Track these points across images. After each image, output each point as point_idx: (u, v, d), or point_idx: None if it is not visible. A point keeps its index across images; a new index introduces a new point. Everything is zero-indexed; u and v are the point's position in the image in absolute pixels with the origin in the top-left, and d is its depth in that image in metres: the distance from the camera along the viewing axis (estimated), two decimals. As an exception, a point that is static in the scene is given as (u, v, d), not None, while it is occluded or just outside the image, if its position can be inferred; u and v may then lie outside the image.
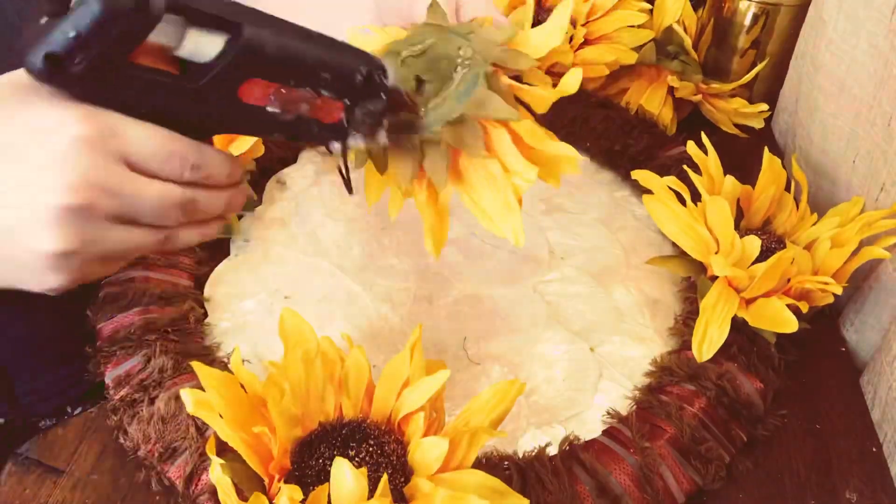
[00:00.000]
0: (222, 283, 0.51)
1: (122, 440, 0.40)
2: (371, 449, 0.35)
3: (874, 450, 0.42)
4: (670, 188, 0.47)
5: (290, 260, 0.53)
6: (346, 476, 0.31)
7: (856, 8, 0.50)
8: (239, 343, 0.47)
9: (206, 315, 0.48)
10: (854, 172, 0.51)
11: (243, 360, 0.38)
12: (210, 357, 0.44)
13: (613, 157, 0.62)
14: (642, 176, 0.49)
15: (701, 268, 0.48)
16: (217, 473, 0.33)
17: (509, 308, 0.49)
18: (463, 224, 0.56)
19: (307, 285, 0.51)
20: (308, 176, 0.61)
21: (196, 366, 0.35)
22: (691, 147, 0.51)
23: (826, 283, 0.41)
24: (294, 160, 0.62)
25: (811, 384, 0.45)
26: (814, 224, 0.48)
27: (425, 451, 0.34)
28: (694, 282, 0.50)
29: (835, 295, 0.42)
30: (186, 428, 0.39)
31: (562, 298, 0.50)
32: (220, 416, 0.33)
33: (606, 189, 0.60)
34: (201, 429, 0.39)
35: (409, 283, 0.51)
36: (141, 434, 0.39)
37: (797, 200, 0.50)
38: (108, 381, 0.42)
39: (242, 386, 0.36)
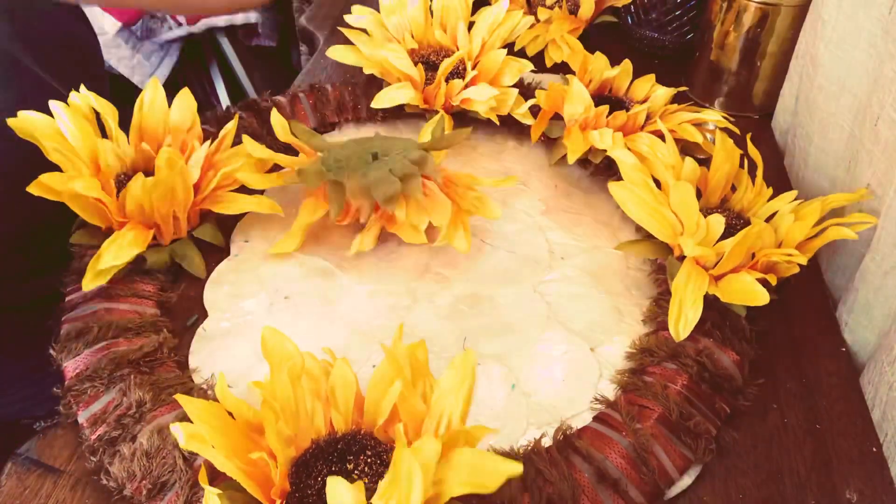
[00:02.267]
0: (222, 283, 0.51)
1: (104, 480, 0.38)
2: (369, 460, 0.35)
3: (874, 450, 0.42)
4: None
5: (290, 260, 0.53)
6: (342, 493, 0.31)
7: (855, 8, 0.51)
8: (239, 344, 0.46)
9: (178, 345, 0.46)
10: (850, 172, 0.52)
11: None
12: (187, 386, 0.43)
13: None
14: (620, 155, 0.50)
15: (668, 249, 0.49)
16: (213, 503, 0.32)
17: (509, 308, 0.49)
18: None
19: (307, 285, 0.51)
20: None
21: (181, 398, 0.34)
22: (649, 137, 0.52)
23: (791, 255, 0.42)
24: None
25: (811, 384, 0.46)
26: (770, 199, 0.49)
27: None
28: (662, 263, 0.51)
29: (832, 296, 0.43)
30: (173, 461, 0.38)
31: (562, 298, 0.50)
32: (213, 446, 0.32)
33: (605, 188, 0.60)
34: (189, 460, 0.38)
35: (410, 284, 0.51)
36: (125, 472, 0.38)
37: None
38: (82, 420, 0.40)
39: (230, 413, 0.35)
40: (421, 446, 0.32)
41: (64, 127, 0.48)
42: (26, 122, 0.47)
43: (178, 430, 0.32)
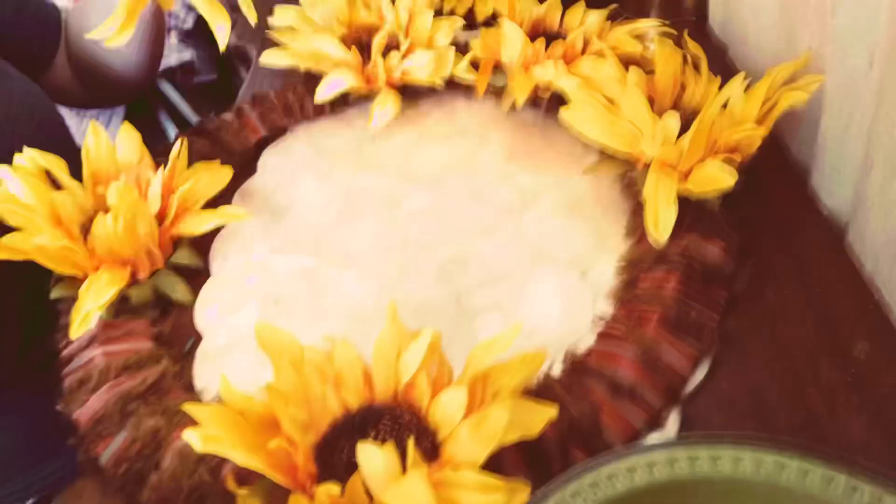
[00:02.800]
0: (211, 303, 0.51)
1: (137, 513, 0.39)
2: (388, 424, 0.35)
3: (874, 304, 0.42)
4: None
5: (272, 265, 0.53)
6: (374, 457, 0.31)
7: None
8: (241, 354, 0.47)
9: (182, 371, 0.46)
10: (789, 43, 0.51)
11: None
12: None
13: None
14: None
15: (633, 162, 0.49)
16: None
17: (494, 257, 0.50)
18: (430, 190, 0.56)
19: (294, 285, 0.51)
20: (270, 184, 0.60)
21: (189, 407, 0.34)
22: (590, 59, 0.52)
23: (747, 129, 0.43)
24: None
25: (799, 257, 0.46)
26: (720, 88, 0.49)
27: (445, 407, 0.34)
28: (630, 178, 0.51)
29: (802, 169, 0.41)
30: (200, 478, 0.38)
31: (543, 236, 0.50)
32: (232, 445, 0.32)
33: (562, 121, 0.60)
34: (215, 472, 0.38)
35: (393, 258, 0.51)
36: (157, 499, 0.38)
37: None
38: (104, 462, 0.40)
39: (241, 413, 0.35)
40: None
41: (15, 188, 0.48)
42: None
43: (192, 436, 0.32)
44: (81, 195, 0.51)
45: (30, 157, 0.50)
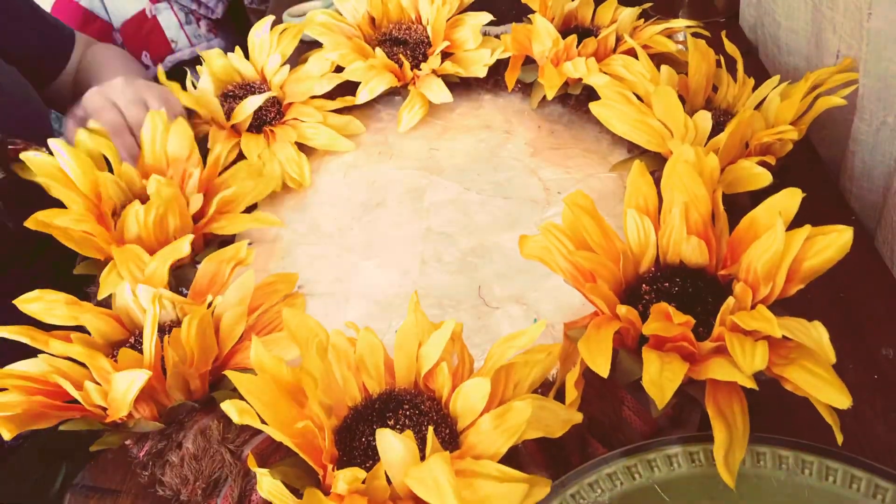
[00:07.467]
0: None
1: (159, 491, 0.39)
2: (408, 412, 0.35)
3: None
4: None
5: (296, 252, 0.53)
6: (392, 443, 0.31)
7: None
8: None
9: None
10: (818, 46, 0.51)
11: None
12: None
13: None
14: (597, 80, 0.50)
15: (662, 160, 0.49)
16: (267, 483, 0.33)
17: (516, 250, 0.49)
18: (454, 182, 0.56)
19: (318, 272, 0.51)
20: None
21: (230, 373, 0.34)
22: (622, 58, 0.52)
23: (781, 131, 0.42)
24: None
25: None
26: (754, 89, 0.49)
27: (468, 396, 0.34)
28: (658, 176, 0.51)
29: (831, 170, 0.41)
30: (221, 457, 0.38)
31: None
32: (265, 420, 0.33)
33: (588, 120, 0.60)
34: (235, 453, 0.39)
35: (415, 248, 0.52)
36: (178, 479, 0.38)
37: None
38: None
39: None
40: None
41: (64, 163, 0.48)
42: (28, 162, 0.48)
43: (230, 408, 0.32)
44: (128, 180, 0.51)
45: (85, 139, 0.51)
